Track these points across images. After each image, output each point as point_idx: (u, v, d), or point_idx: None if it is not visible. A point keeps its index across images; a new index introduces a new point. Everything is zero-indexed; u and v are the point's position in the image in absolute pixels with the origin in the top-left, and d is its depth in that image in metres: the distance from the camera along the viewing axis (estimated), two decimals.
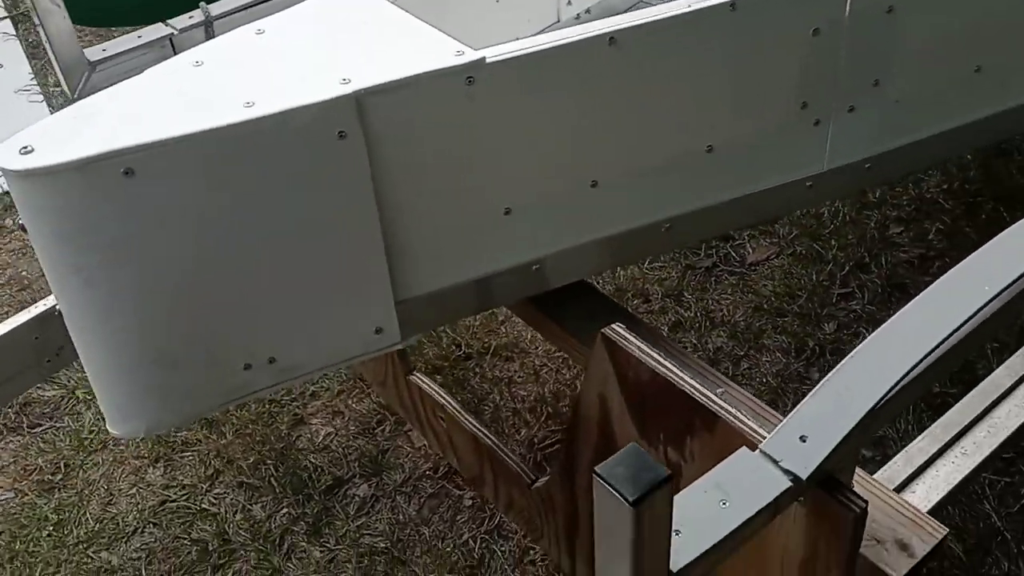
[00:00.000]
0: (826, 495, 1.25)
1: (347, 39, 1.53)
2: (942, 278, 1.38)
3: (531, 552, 2.34)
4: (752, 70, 1.72)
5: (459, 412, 2.13)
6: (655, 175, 1.74)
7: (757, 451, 1.19)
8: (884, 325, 1.34)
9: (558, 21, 2.60)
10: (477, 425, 2.10)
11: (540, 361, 2.85)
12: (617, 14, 1.60)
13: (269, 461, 2.64)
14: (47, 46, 2.15)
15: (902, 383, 1.25)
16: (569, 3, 2.60)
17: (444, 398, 2.17)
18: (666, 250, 1.73)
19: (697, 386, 1.42)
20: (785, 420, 1.23)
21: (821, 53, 1.75)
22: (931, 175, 3.37)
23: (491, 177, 1.59)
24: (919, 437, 1.77)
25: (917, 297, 1.37)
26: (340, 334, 1.61)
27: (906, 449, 1.74)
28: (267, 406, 2.79)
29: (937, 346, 1.28)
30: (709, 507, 1.10)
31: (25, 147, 1.30)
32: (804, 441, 1.19)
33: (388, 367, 2.30)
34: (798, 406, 1.25)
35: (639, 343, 1.51)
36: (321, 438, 2.71)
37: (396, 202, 1.51)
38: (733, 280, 3.05)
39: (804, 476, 1.16)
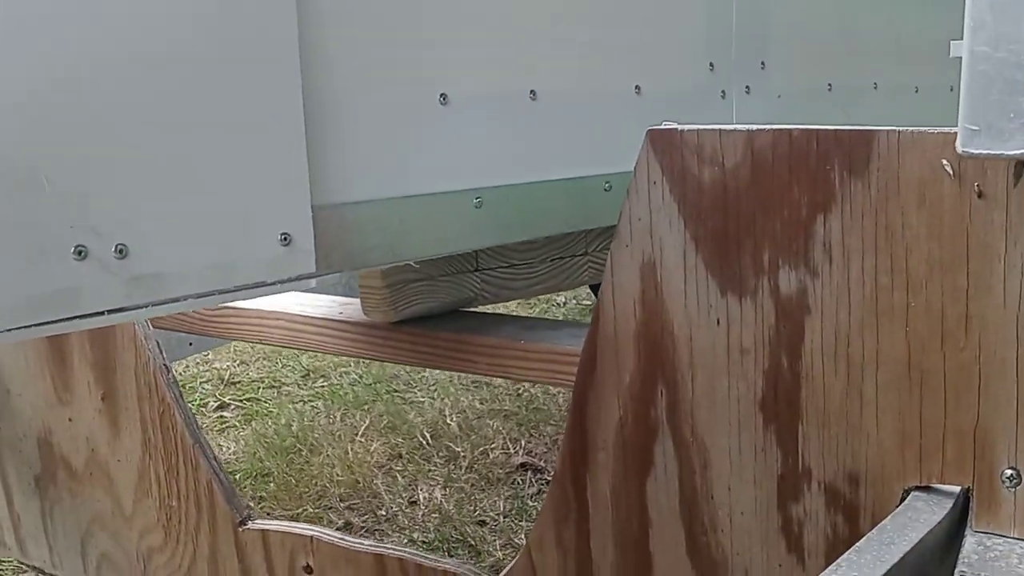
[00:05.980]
0: None
1: None
2: None
3: None
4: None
5: (340, 538, 1.39)
6: (591, 104, 1.42)
7: None
8: None
9: None
10: (376, 545, 1.38)
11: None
12: None
13: None
14: None
15: None
16: None
17: (312, 529, 1.42)
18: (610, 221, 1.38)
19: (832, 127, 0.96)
20: None
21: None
22: None
23: (428, 48, 1.19)
24: None
25: None
26: (230, 231, 0.98)
27: None
28: None
29: None
30: None
31: None
32: None
33: (199, 535, 1.50)
34: None
35: (714, 126, 1.03)
36: None
37: (321, 49, 1.04)
38: None
39: None
